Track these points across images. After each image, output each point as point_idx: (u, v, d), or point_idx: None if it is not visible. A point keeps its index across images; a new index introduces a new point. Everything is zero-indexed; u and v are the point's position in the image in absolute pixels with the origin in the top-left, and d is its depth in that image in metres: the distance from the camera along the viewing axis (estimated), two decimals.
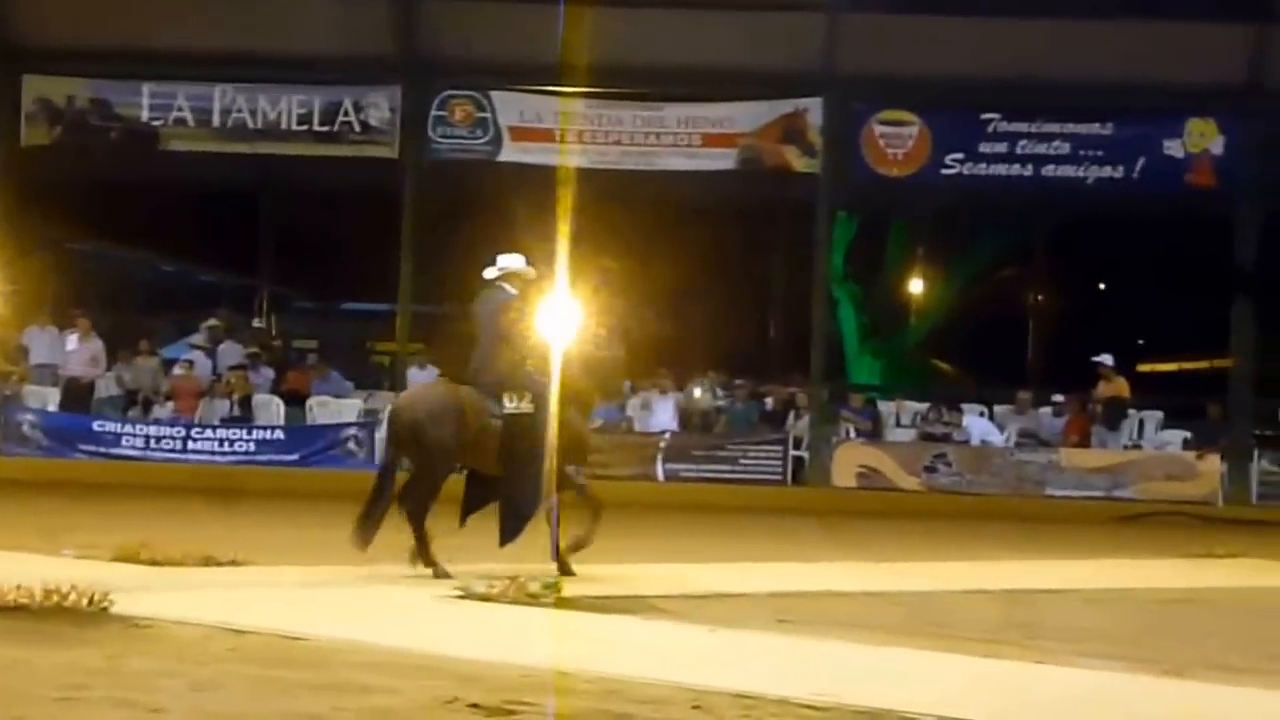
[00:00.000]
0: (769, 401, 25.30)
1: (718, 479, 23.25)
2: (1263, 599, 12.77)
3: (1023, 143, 23.61)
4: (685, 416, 24.53)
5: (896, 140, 23.78)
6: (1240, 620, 11.30)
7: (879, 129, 23.83)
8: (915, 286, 33.13)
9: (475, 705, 6.63)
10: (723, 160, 24.08)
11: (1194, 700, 7.69)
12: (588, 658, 7.90)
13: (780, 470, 23.59)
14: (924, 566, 13.70)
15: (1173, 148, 23.45)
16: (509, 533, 11.89)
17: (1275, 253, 24.24)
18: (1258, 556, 16.38)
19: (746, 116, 23.94)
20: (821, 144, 23.89)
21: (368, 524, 11.53)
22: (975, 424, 24.33)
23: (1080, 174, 23.59)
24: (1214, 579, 14.13)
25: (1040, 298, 31.15)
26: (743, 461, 23.55)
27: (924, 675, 8.12)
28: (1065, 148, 23.57)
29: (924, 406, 25.32)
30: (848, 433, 24.46)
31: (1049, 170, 23.62)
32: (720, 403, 25.10)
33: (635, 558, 12.60)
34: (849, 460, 23.56)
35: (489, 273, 12.36)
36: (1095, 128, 23.55)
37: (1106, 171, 23.51)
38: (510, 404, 11.88)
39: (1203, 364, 31.07)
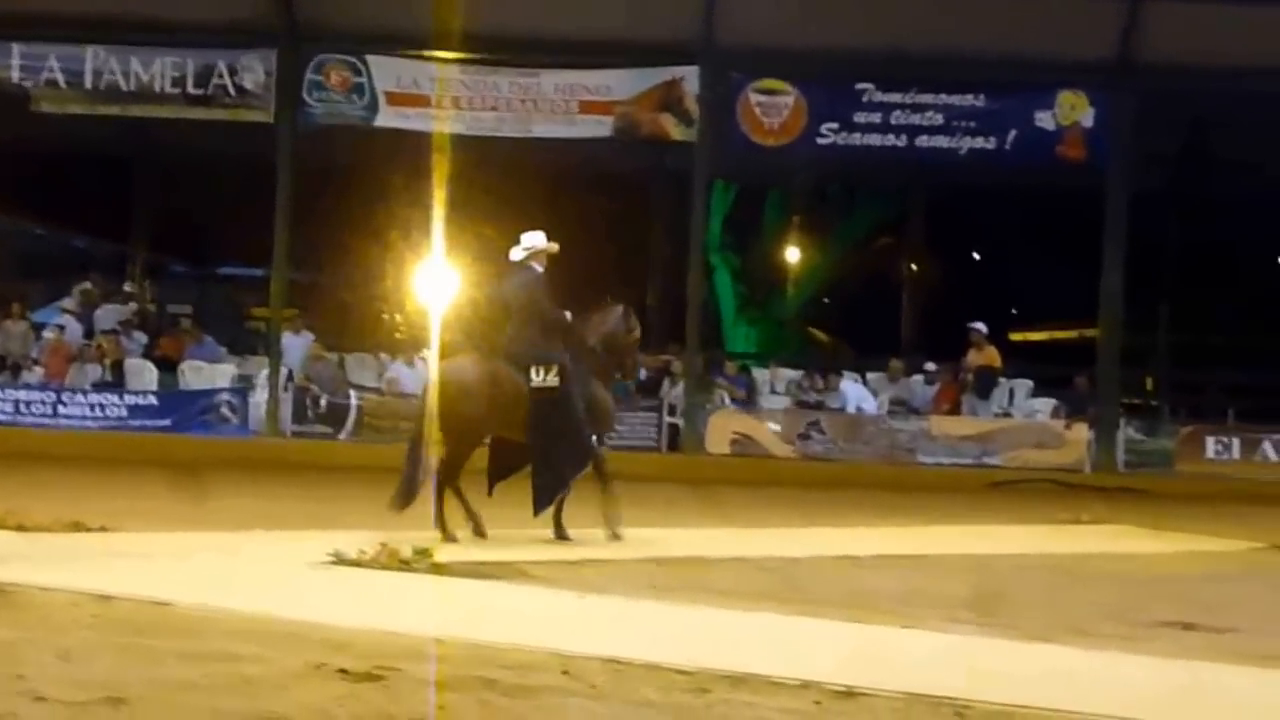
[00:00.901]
0: (644, 369, 25.35)
1: None
2: (1127, 565, 12.99)
3: (897, 113, 23.74)
4: None
5: (772, 110, 23.86)
6: (1104, 586, 11.46)
7: (755, 98, 23.88)
8: (792, 255, 33.37)
9: (344, 671, 6.65)
10: (599, 128, 24.05)
11: (1054, 663, 7.81)
12: (458, 623, 7.96)
13: (655, 437, 23.69)
14: (795, 533, 13.85)
15: (1044, 120, 23.66)
16: (542, 502, 12.53)
17: (1143, 225, 24.65)
18: (1123, 523, 16.70)
19: (623, 84, 23.91)
20: (698, 113, 23.94)
21: (407, 491, 12.35)
22: (851, 389, 24.55)
23: (953, 145, 23.75)
24: (1080, 545, 14.40)
25: (915, 267, 31.45)
26: (618, 428, 23.56)
27: (792, 640, 8.23)
28: (939, 119, 23.72)
29: (799, 374, 25.55)
30: (723, 400, 24.60)
31: (923, 141, 23.77)
32: None
33: (508, 524, 12.62)
34: (723, 427, 23.69)
35: (516, 253, 12.87)
36: (968, 99, 23.69)
37: (979, 143, 23.68)
38: (538, 378, 12.51)
39: (1073, 334, 31.55)
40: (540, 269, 12.85)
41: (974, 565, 12.38)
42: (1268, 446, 23.70)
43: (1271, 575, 12.59)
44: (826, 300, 35.65)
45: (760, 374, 25.90)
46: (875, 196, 31.84)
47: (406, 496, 12.38)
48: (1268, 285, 34.38)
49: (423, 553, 10.04)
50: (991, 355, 24.88)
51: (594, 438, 12.92)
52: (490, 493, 12.73)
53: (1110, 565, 12.90)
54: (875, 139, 23.79)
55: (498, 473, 12.83)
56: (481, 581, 9.74)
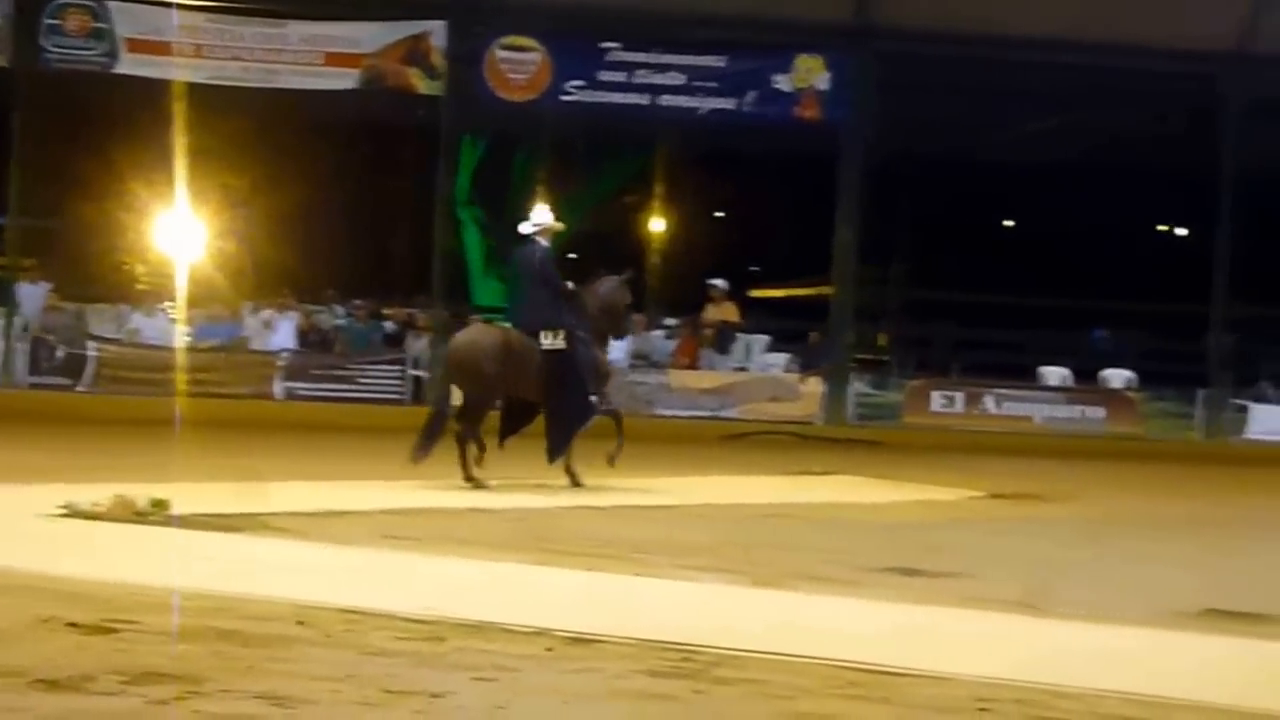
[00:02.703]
0: (390, 322, 25.34)
1: (337, 398, 23.22)
2: (854, 513, 13.30)
3: (640, 72, 23.97)
4: (304, 335, 24.40)
5: (519, 66, 23.91)
6: (832, 533, 11.74)
7: (501, 54, 23.90)
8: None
9: (74, 624, 6.61)
10: (345, 80, 23.85)
11: (783, 609, 8.10)
12: (194, 575, 7.93)
13: (400, 389, 23.69)
14: (534, 484, 14.00)
15: (781, 82, 24.09)
16: (555, 452, 14.20)
17: (876, 185, 25.24)
18: (852, 473, 17.11)
19: (370, 37, 23.72)
20: (445, 67, 23.90)
21: (427, 443, 13.88)
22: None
23: (694, 104, 24.10)
24: (811, 495, 14.71)
25: (658, 224, 31.81)
26: (362, 380, 23.55)
27: (527, 588, 8.38)
28: (681, 79, 24.00)
29: None
30: None
31: (665, 100, 24.05)
32: (340, 322, 25.03)
33: (250, 476, 12.57)
34: None
35: (525, 227, 14.58)
36: (709, 60, 24.05)
37: (719, 103, 24.07)
38: (547, 341, 14.08)
39: (810, 290, 32.15)
40: (547, 243, 14.47)
41: (708, 515, 12.62)
42: (989, 400, 24.56)
43: (991, 522, 12.99)
44: (573, 255, 35.81)
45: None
46: (620, 154, 32.02)
47: (426, 448, 13.84)
48: (994, 244, 35.55)
49: (159, 505, 9.97)
50: (730, 311, 25.33)
51: (597, 395, 14.54)
52: (501, 445, 14.30)
53: (839, 513, 13.19)
54: (619, 97, 23.99)
55: (509, 428, 14.47)
56: (219, 533, 9.69)
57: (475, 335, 14.78)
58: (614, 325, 15.32)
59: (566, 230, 32.13)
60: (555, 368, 14.16)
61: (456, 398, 14.39)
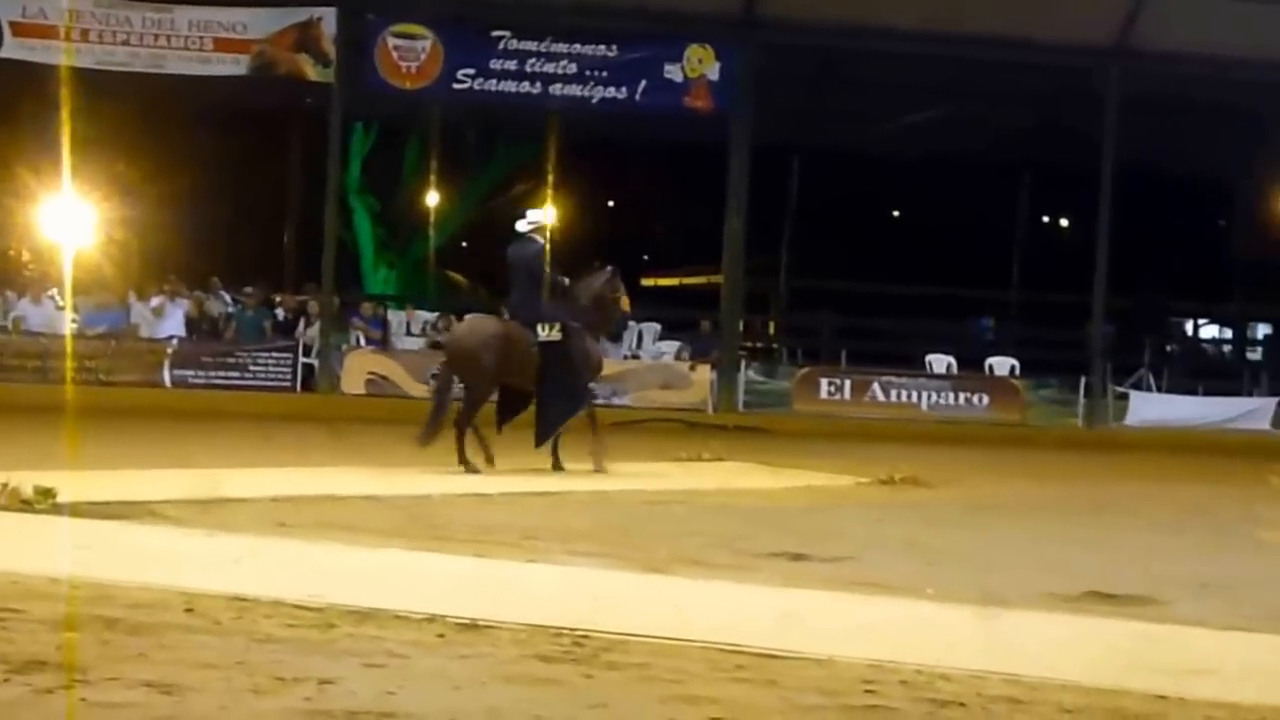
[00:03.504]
0: (280, 309, 25.21)
1: (227, 385, 23.05)
2: (742, 499, 13.45)
3: (531, 61, 23.94)
4: (193, 323, 24.22)
5: (409, 53, 23.79)
6: (720, 519, 11.85)
7: (392, 41, 23.79)
8: (431, 199, 33.37)
9: None
10: (235, 66, 23.61)
11: (670, 593, 8.18)
12: (81, 563, 7.88)
13: (290, 377, 23.56)
14: (426, 471, 14.01)
15: (673, 72, 24.15)
16: (543, 436, 14.92)
17: (765, 175, 25.40)
18: (742, 459, 17.22)
19: (259, 22, 23.50)
20: (335, 54, 23.75)
21: (431, 429, 14.61)
22: None
23: (586, 94, 24.12)
24: (701, 481, 14.81)
25: (550, 213, 31.77)
26: (252, 368, 23.39)
27: (417, 574, 8.41)
28: (572, 68, 24.02)
29: (434, 316, 25.73)
30: (358, 340, 24.60)
31: (556, 89, 24.06)
32: (230, 309, 24.87)
33: (138, 463, 12.48)
34: (358, 368, 23.68)
35: (521, 225, 15.39)
36: (601, 50, 24.06)
37: (611, 92, 24.11)
38: (544, 333, 14.86)
39: (702, 279, 32.34)
40: (543, 240, 15.29)
41: (599, 501, 12.70)
42: (876, 387, 24.79)
43: (875, 508, 13.10)
44: (465, 244, 35.84)
45: (396, 316, 26.00)
46: (513, 142, 32.03)
47: (431, 433, 14.55)
48: (881, 234, 35.92)
49: (45, 493, 9.89)
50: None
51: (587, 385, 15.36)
52: (499, 430, 15.09)
53: (729, 499, 13.32)
54: (511, 86, 23.95)
55: (505, 414, 15.24)
56: (108, 521, 9.64)
57: (475, 326, 15.53)
58: (605, 319, 16.11)
59: (457, 220, 32.10)
60: (550, 358, 14.87)
61: (457, 386, 15.04)
